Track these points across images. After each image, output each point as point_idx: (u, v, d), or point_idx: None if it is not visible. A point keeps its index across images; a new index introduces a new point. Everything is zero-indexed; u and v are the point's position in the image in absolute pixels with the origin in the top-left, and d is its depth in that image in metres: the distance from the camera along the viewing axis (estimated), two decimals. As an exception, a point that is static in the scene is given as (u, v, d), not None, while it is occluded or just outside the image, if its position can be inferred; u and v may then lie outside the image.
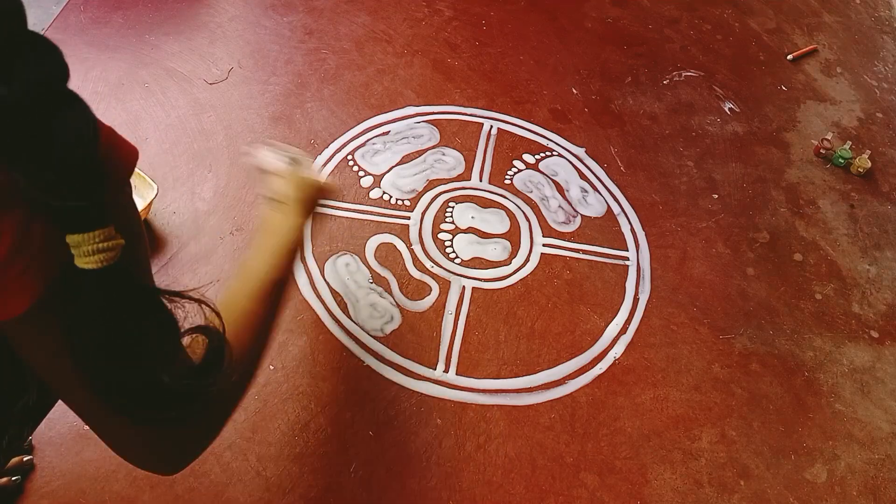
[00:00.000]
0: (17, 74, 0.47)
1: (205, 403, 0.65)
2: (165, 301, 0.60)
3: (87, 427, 0.63)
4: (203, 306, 0.64)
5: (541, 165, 1.72)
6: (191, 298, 0.62)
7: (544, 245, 1.56)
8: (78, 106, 0.52)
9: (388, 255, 1.48)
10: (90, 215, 0.53)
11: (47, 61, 0.50)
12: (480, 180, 1.65)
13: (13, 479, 1.08)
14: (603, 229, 1.61)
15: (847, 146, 1.86)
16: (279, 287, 0.89)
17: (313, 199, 1.07)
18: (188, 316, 0.64)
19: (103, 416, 0.63)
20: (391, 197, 1.58)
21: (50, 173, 0.50)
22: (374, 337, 1.35)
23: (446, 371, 1.33)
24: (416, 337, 1.37)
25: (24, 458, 1.10)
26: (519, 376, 1.34)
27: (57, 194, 0.51)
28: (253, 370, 0.84)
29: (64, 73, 0.51)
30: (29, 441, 1.12)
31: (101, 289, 0.55)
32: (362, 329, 1.36)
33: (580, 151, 1.76)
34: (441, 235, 1.53)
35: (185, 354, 0.64)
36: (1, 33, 0.47)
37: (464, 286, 1.45)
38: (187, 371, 0.63)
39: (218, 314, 0.67)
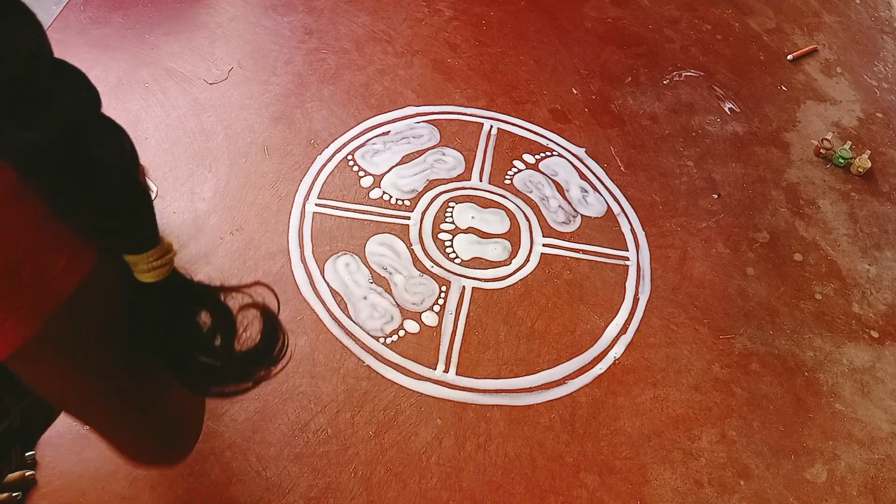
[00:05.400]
0: (47, 115, 0.45)
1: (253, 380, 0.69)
2: (219, 294, 0.65)
3: (86, 427, 0.63)
4: (259, 288, 0.67)
5: (541, 165, 1.72)
6: (245, 286, 0.66)
7: (544, 245, 1.56)
8: (114, 133, 0.51)
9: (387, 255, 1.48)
10: (144, 238, 0.55)
11: (75, 93, 0.48)
12: (480, 180, 1.65)
13: (14, 494, 1.06)
14: (603, 229, 1.61)
15: (847, 146, 1.86)
16: None
17: None
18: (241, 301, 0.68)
19: (113, 417, 0.65)
20: (391, 197, 1.58)
21: (95, 209, 0.49)
22: (374, 337, 1.35)
23: (446, 371, 1.33)
24: (416, 337, 1.37)
25: (27, 474, 1.08)
26: (519, 376, 1.34)
27: (105, 231, 0.52)
28: None
29: (94, 100, 0.50)
30: (31, 456, 1.10)
31: (161, 296, 0.59)
32: (362, 329, 1.36)
33: (580, 151, 1.76)
34: (441, 235, 1.53)
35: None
36: (25, 69, 0.44)
37: (464, 286, 1.45)
38: (244, 353, 0.67)
39: (275, 293, 0.71)
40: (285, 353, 0.70)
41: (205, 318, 0.64)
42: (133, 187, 0.53)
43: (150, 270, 0.56)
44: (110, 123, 0.51)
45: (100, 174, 0.49)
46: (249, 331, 0.68)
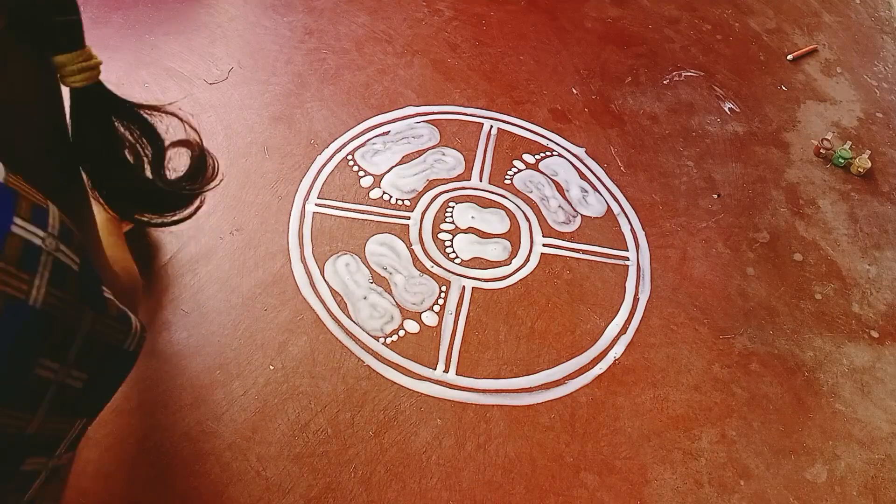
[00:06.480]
0: None
1: (193, 204, 0.76)
2: (144, 114, 0.69)
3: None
4: (181, 121, 0.73)
5: (541, 165, 1.72)
6: (166, 112, 0.71)
7: (544, 245, 1.56)
8: None
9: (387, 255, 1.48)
10: (74, 35, 0.60)
11: None
12: (480, 180, 1.65)
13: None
14: (603, 229, 1.61)
15: (847, 146, 1.86)
16: None
17: None
18: (168, 130, 0.72)
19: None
20: (391, 197, 1.58)
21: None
22: (374, 337, 1.35)
23: (446, 371, 1.33)
24: (416, 337, 1.37)
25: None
26: (519, 376, 1.34)
27: (48, 11, 0.56)
28: None
29: None
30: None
31: (87, 105, 0.63)
32: (362, 329, 1.36)
33: (580, 151, 1.76)
34: (441, 235, 1.53)
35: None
36: None
37: (464, 286, 1.45)
38: (178, 177, 0.73)
39: (195, 129, 0.76)
40: (215, 176, 0.75)
41: (133, 139, 0.68)
42: None
43: (79, 73, 0.60)
44: None
45: None
46: (177, 159, 0.70)
